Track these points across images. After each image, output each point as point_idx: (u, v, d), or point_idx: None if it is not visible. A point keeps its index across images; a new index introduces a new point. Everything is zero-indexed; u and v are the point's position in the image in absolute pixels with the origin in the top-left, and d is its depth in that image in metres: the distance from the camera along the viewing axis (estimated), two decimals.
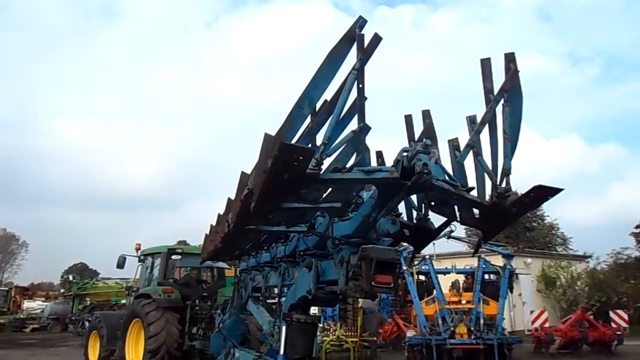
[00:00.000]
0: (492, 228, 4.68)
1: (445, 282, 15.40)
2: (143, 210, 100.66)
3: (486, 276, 15.27)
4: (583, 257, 27.81)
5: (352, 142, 4.31)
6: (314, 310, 8.10)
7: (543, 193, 4.05)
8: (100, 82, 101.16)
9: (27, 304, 35.88)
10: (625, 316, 16.57)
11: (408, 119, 4.66)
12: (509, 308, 18.48)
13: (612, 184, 77.69)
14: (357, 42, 3.81)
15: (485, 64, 3.95)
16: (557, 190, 3.98)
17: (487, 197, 4.13)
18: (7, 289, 40.40)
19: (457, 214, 4.46)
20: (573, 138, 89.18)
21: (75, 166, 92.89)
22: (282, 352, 5.24)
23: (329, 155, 3.88)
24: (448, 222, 4.73)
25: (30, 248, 66.64)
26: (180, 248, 12.43)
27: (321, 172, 3.60)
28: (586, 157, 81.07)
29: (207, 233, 7.77)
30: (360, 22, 3.80)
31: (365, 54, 3.83)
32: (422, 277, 16.64)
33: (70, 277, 34.96)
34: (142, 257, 12.62)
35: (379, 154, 4.86)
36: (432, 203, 4.50)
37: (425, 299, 14.88)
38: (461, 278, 16.19)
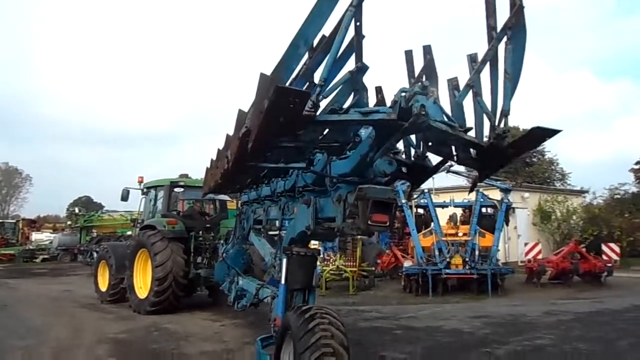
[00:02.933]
0: (489, 168, 4.66)
1: (443, 216, 15.76)
2: (145, 145, 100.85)
3: (483, 209, 15.60)
4: (580, 192, 28.16)
5: (349, 82, 4.25)
6: (314, 243, 8.34)
7: (541, 134, 4.06)
8: (96, 12, 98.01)
9: (35, 236, 36.62)
10: (617, 249, 16.99)
11: (408, 55, 4.56)
12: (504, 240, 18.98)
13: (619, 120, 76.79)
14: None
15: (489, 0, 3.78)
16: (554, 132, 3.95)
17: (485, 138, 4.10)
18: (14, 221, 41.13)
19: (454, 153, 4.43)
20: (584, 73, 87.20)
21: (76, 102, 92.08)
22: (283, 281, 5.47)
23: (326, 97, 3.85)
24: (445, 160, 4.79)
25: (34, 182, 67.34)
26: (182, 181, 12.63)
27: (318, 114, 3.58)
28: (596, 92, 79.71)
29: (208, 167, 7.90)
30: None
31: None
32: (420, 211, 17.01)
33: (77, 210, 35.58)
34: (145, 190, 12.84)
35: (379, 89, 4.81)
36: (430, 143, 4.47)
37: (423, 231, 15.31)
38: (459, 211, 16.54)
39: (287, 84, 3.73)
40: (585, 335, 8.31)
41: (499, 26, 3.80)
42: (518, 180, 22.81)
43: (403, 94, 3.66)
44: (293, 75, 3.91)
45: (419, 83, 3.86)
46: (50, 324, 9.61)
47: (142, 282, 11.09)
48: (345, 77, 4.16)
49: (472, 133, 4.16)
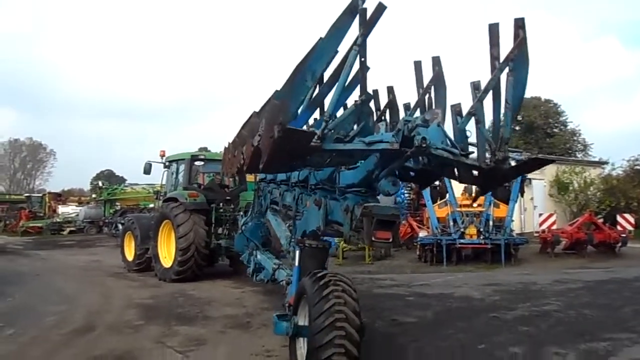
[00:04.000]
0: (489, 186, 5.00)
1: (458, 187, 15.94)
2: (165, 118, 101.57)
3: None
4: (599, 163, 27.84)
5: (354, 112, 4.50)
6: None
7: (538, 163, 4.66)
8: None
9: (62, 209, 37.78)
10: (632, 220, 17.01)
11: (417, 66, 4.71)
12: (519, 211, 19.10)
13: None
14: (359, 15, 3.83)
15: (493, 30, 3.84)
16: (550, 162, 4.68)
17: (486, 160, 4.20)
18: (41, 195, 42.38)
19: (456, 173, 4.60)
20: (611, 39, 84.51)
21: (98, 76, 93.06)
22: (297, 264, 5.78)
23: (332, 129, 4.04)
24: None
25: (58, 156, 68.83)
26: (202, 154, 13.03)
27: (324, 142, 3.81)
28: (622, 60, 77.35)
29: (226, 147, 8.20)
30: None
31: (367, 28, 3.86)
32: (436, 182, 17.19)
33: (100, 184, 36.50)
34: (167, 164, 13.27)
35: (390, 89, 5.04)
36: (432, 164, 4.64)
37: (438, 203, 15.57)
38: None
39: (295, 113, 4.08)
40: (592, 302, 8.58)
41: (502, 56, 3.87)
42: (534, 151, 22.71)
43: (406, 123, 3.88)
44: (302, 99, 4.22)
45: (421, 115, 4.12)
46: (81, 291, 10.21)
47: (167, 252, 11.63)
48: (350, 109, 4.43)
49: (473, 155, 4.30)
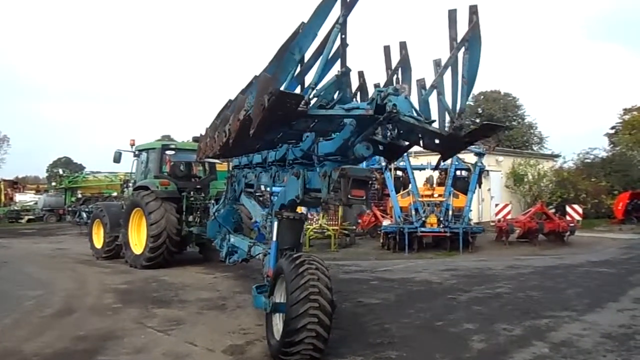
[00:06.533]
0: (449, 152, 5.55)
1: (420, 178, 16.69)
2: (125, 106, 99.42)
3: (458, 172, 16.57)
4: (552, 157, 29.35)
5: (335, 83, 4.98)
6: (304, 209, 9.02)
7: (489, 128, 5.21)
8: None
9: (19, 197, 36.88)
10: (580, 210, 18.25)
11: (386, 50, 5.25)
12: (477, 201, 20.03)
13: (605, 84, 77.86)
14: None
15: (451, 15, 4.44)
16: (501, 127, 5.14)
17: (446, 128, 4.82)
18: None
19: (421, 140, 5.14)
20: (576, 33, 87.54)
21: (52, 60, 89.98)
22: (274, 239, 6.22)
23: (317, 97, 4.57)
24: (413, 145, 5.59)
25: (11, 143, 66.35)
26: (173, 144, 13.21)
27: (309, 108, 4.32)
28: (585, 54, 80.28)
29: (202, 134, 8.51)
30: None
31: (348, 9, 4.38)
32: (399, 173, 17.90)
33: (61, 171, 35.75)
34: (137, 152, 13.38)
35: (361, 74, 5.55)
36: (401, 132, 5.16)
37: (401, 193, 16.25)
38: (436, 174, 17.49)
39: (284, 84, 4.53)
40: (539, 285, 9.37)
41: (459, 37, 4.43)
42: (491, 144, 23.77)
43: (379, 93, 4.39)
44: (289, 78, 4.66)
45: (392, 86, 4.60)
46: (54, 277, 10.32)
47: (137, 239, 11.82)
48: (332, 80, 4.89)
49: (435, 124, 4.87)
